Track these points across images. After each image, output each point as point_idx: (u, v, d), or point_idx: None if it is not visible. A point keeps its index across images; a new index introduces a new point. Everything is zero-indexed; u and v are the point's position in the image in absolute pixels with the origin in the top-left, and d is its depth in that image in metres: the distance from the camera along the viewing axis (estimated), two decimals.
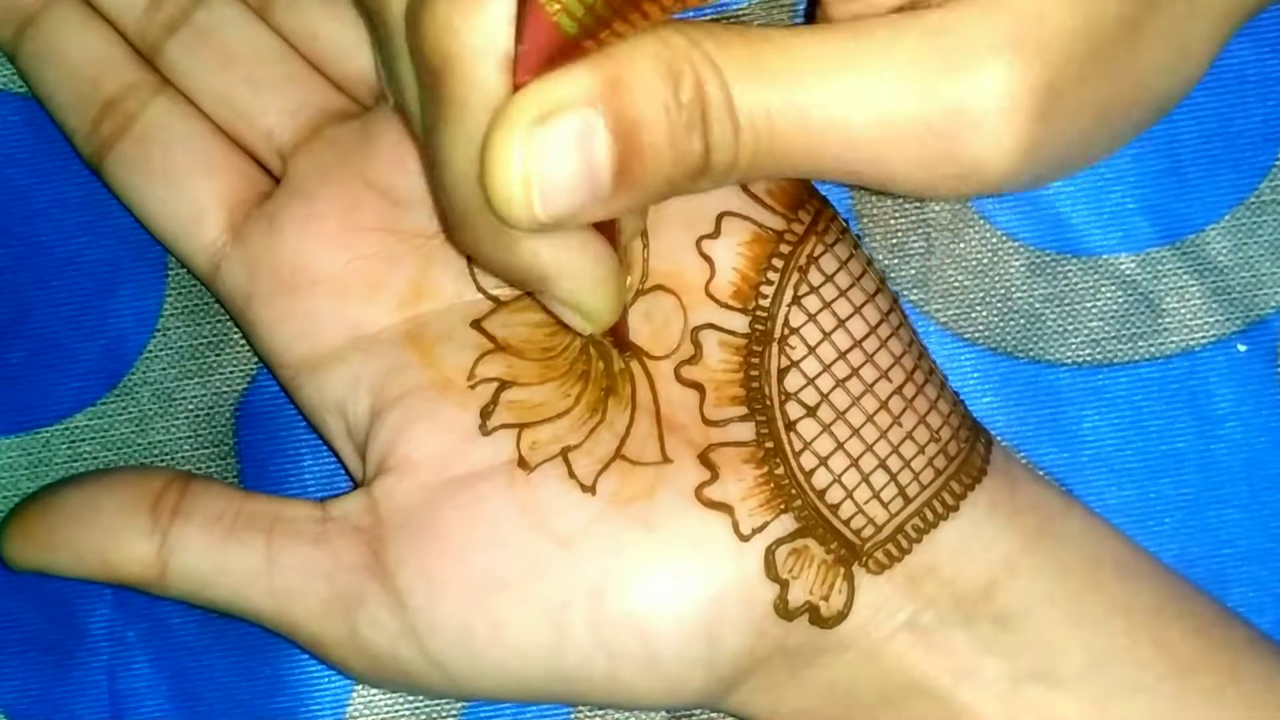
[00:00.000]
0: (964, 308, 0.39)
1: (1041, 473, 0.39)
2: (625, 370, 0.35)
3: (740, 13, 0.40)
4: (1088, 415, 0.39)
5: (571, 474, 0.34)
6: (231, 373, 0.40)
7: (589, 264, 0.31)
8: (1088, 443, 0.39)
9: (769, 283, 0.35)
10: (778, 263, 0.35)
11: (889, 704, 0.34)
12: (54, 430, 0.40)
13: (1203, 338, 0.39)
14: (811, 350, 0.34)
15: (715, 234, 0.35)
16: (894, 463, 0.34)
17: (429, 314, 0.36)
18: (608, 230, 0.32)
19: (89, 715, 0.39)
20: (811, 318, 0.35)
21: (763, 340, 0.34)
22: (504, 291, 0.35)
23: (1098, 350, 0.39)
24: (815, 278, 0.35)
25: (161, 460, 0.40)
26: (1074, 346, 0.39)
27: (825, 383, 0.34)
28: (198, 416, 0.40)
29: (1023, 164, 0.30)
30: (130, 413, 0.40)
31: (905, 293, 0.39)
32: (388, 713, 0.39)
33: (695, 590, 0.33)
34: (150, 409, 0.40)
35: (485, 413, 0.35)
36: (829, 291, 0.35)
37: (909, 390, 0.35)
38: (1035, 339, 0.39)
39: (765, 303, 0.35)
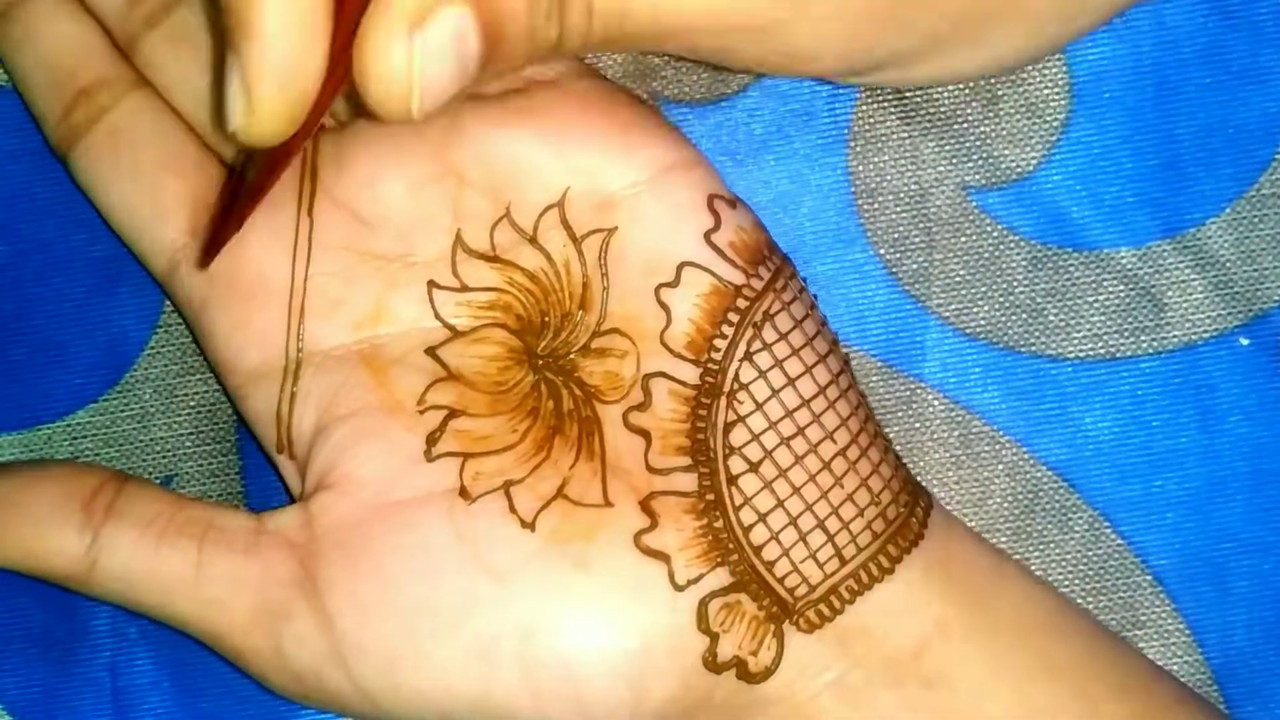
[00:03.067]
0: (965, 302, 0.39)
1: (1045, 466, 0.39)
2: (574, 411, 0.35)
3: None
4: (1090, 410, 0.39)
5: (512, 508, 0.34)
6: None
7: (294, 52, 0.29)
8: (1090, 437, 0.39)
9: (723, 336, 0.35)
10: (733, 317, 0.35)
11: None
12: (56, 427, 0.40)
13: (1205, 332, 0.39)
14: (759, 407, 0.34)
15: (675, 283, 0.35)
16: (832, 524, 0.34)
17: (385, 336, 0.35)
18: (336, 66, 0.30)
19: (91, 712, 0.39)
20: (762, 374, 0.35)
21: (712, 393, 0.34)
22: (462, 323, 0.35)
23: (1100, 344, 0.39)
24: (769, 335, 0.35)
25: (163, 457, 0.40)
26: (1076, 341, 0.39)
27: (770, 440, 0.34)
28: (200, 413, 0.40)
29: (846, 56, 0.33)
30: (132, 409, 0.40)
31: (907, 287, 0.39)
32: None
33: (626, 636, 0.33)
34: (152, 405, 0.40)
35: (432, 439, 0.35)
36: (781, 349, 0.35)
37: (852, 453, 0.35)
38: (1037, 333, 0.39)
39: (718, 356, 0.34)
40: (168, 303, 0.40)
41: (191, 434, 0.40)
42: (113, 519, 0.35)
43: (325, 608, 0.34)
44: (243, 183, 0.34)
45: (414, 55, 0.29)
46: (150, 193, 0.37)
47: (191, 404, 0.40)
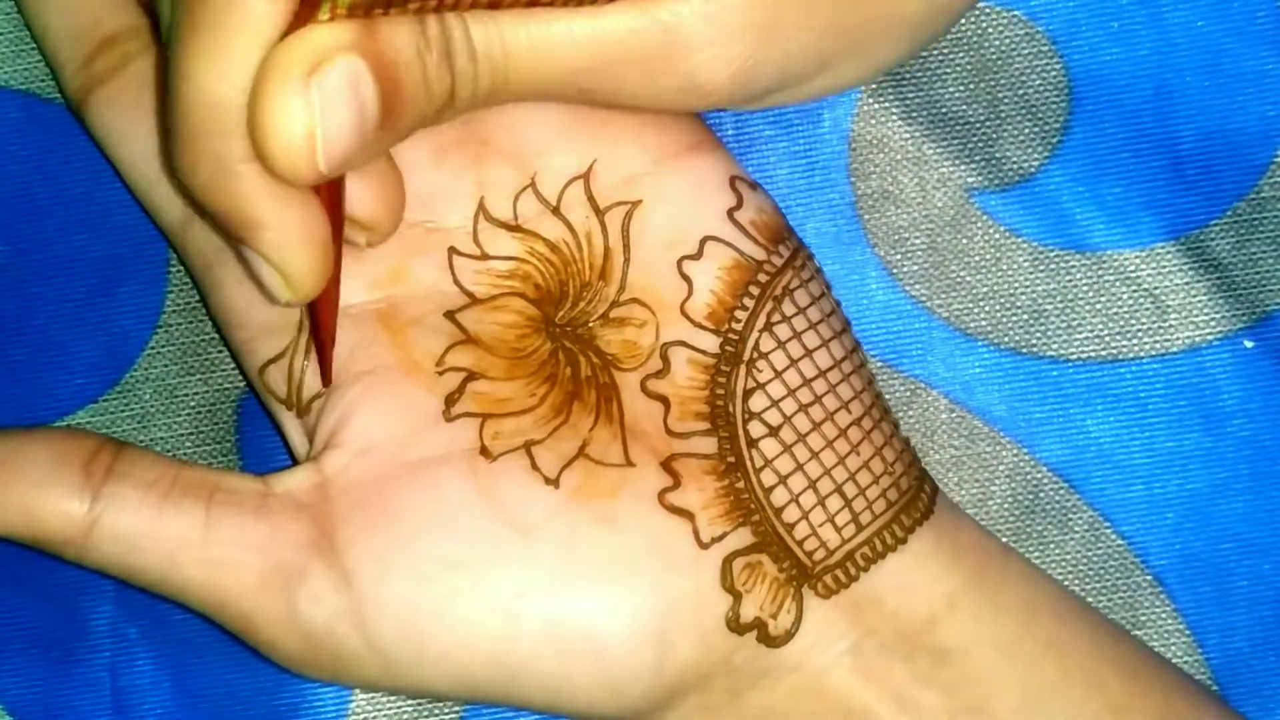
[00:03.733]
0: (968, 303, 0.40)
1: (1046, 468, 0.39)
2: (592, 378, 0.35)
3: None
4: (1092, 412, 0.39)
5: (535, 466, 0.34)
6: (233, 369, 0.40)
7: (301, 220, 0.31)
8: (1092, 439, 0.39)
9: (743, 308, 0.35)
10: (754, 290, 0.35)
11: None
12: (56, 427, 0.40)
13: (1208, 334, 0.39)
14: (778, 375, 0.35)
15: (697, 256, 0.35)
16: (850, 489, 0.35)
17: (403, 297, 0.36)
18: (327, 199, 0.32)
19: (91, 712, 0.39)
20: (781, 345, 0.35)
21: (731, 361, 0.35)
22: (481, 290, 0.36)
23: (1102, 346, 0.39)
24: (788, 308, 0.35)
25: None
26: (1079, 343, 0.39)
27: (789, 406, 0.35)
28: (200, 413, 0.40)
29: (739, 83, 0.33)
30: (132, 410, 0.40)
31: (909, 288, 0.40)
32: (390, 710, 0.39)
33: (652, 592, 0.33)
34: (152, 406, 0.40)
35: (450, 399, 0.35)
36: (800, 323, 0.35)
37: (867, 423, 0.35)
38: (1039, 335, 0.39)
39: (738, 326, 0.35)
40: (168, 303, 0.40)
41: (191, 434, 0.40)
42: (113, 479, 0.34)
43: (344, 566, 0.33)
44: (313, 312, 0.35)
45: (312, 104, 0.29)
46: None
47: (191, 404, 0.40)
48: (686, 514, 0.34)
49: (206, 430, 0.40)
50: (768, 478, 0.34)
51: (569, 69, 0.32)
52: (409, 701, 0.39)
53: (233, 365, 0.40)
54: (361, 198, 0.33)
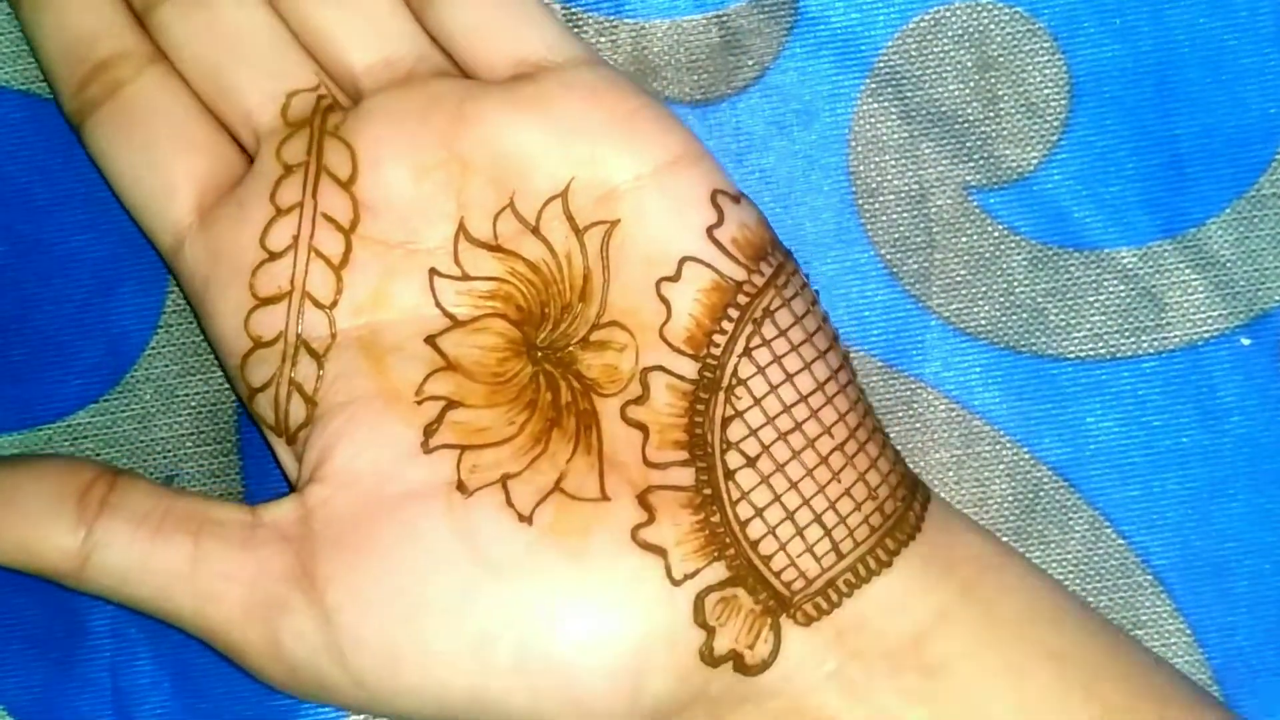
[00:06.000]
0: (966, 302, 0.39)
1: (1046, 467, 0.39)
2: (572, 404, 0.35)
3: (732, 12, 0.40)
4: (1091, 410, 0.39)
5: (509, 502, 0.34)
6: None
7: None
8: (1091, 437, 0.39)
9: (722, 332, 0.35)
10: (733, 312, 0.35)
11: None
12: (56, 427, 0.40)
13: (1206, 332, 0.39)
14: (757, 402, 0.34)
15: (676, 277, 0.35)
16: (829, 518, 0.34)
17: (384, 322, 0.35)
18: None
19: (92, 712, 0.39)
20: (760, 370, 0.35)
21: (710, 388, 0.34)
22: (462, 312, 0.35)
23: (1101, 344, 0.39)
24: (769, 331, 0.35)
25: (164, 457, 0.40)
26: (1077, 341, 0.39)
27: (767, 435, 0.34)
28: (200, 413, 0.40)
29: None
30: (133, 410, 0.40)
31: (907, 287, 0.39)
32: None
33: (623, 631, 0.33)
34: (153, 406, 0.40)
35: (429, 430, 0.35)
36: (780, 346, 0.35)
37: (850, 447, 0.35)
38: (1038, 333, 0.39)
39: (717, 351, 0.34)
40: (168, 303, 0.40)
41: (192, 434, 0.40)
42: (107, 514, 0.35)
43: (324, 602, 0.34)
44: None
45: None
46: (160, 170, 0.36)
47: (192, 404, 0.40)
48: (659, 550, 0.34)
49: (206, 430, 0.40)
50: (744, 510, 0.34)
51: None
52: None
53: None
54: None
